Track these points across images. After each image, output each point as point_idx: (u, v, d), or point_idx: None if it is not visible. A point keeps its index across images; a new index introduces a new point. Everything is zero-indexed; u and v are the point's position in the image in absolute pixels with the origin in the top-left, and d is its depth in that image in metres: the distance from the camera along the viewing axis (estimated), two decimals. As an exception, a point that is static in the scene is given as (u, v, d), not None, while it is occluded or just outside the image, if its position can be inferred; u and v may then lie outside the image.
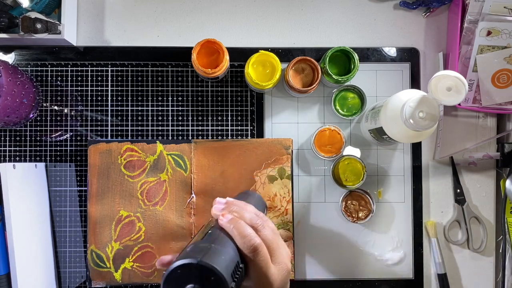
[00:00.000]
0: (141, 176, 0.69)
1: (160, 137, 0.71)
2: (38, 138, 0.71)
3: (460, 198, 0.72)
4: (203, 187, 0.69)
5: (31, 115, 0.67)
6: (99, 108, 0.71)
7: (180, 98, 0.72)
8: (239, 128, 0.71)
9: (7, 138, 0.71)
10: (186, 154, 0.69)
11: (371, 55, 0.72)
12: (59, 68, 0.71)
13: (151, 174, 0.69)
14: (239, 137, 0.71)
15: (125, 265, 0.68)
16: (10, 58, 0.71)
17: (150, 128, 0.71)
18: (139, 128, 0.71)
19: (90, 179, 0.69)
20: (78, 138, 0.71)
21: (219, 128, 0.71)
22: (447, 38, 0.73)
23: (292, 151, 0.70)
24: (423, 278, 0.71)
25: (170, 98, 0.72)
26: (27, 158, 0.71)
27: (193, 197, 0.69)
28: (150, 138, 0.71)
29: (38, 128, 0.71)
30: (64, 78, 0.71)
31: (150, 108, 0.71)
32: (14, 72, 0.61)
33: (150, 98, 0.71)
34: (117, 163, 0.69)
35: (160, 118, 0.71)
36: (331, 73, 0.65)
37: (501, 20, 0.65)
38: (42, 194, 0.69)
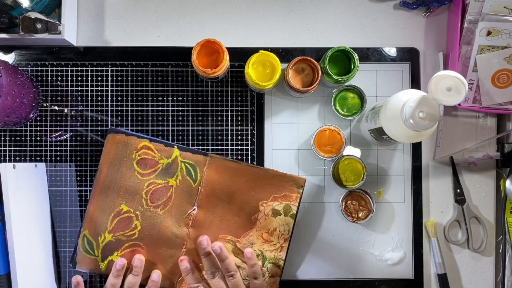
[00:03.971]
0: (150, 176, 0.68)
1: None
2: (38, 138, 0.71)
3: (460, 198, 0.72)
4: (207, 202, 0.68)
5: (31, 115, 0.67)
6: (99, 108, 0.71)
7: (180, 98, 0.72)
8: (239, 128, 0.71)
9: (7, 138, 0.71)
10: (199, 165, 0.68)
11: (371, 55, 0.72)
12: (59, 68, 0.71)
13: (160, 176, 0.68)
14: (239, 137, 0.71)
15: (112, 258, 0.67)
16: (10, 58, 0.71)
17: (150, 128, 0.71)
18: (139, 128, 0.71)
19: (101, 167, 0.68)
20: (78, 138, 0.71)
21: (219, 128, 0.71)
22: (447, 38, 0.73)
23: (303, 191, 0.68)
24: (423, 278, 0.71)
25: (170, 98, 0.72)
26: (27, 158, 0.71)
27: (195, 209, 0.68)
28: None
29: (38, 128, 0.71)
30: (64, 78, 0.71)
31: (150, 108, 0.71)
32: (14, 72, 0.61)
33: (150, 98, 0.71)
34: (131, 157, 0.68)
35: (160, 118, 0.71)
36: (331, 73, 0.65)
37: (501, 20, 0.65)
38: (42, 194, 0.69)
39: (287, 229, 0.67)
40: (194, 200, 0.68)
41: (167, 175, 0.68)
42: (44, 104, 0.71)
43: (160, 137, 0.71)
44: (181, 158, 0.68)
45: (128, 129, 0.71)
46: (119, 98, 0.71)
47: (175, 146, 0.68)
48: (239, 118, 0.72)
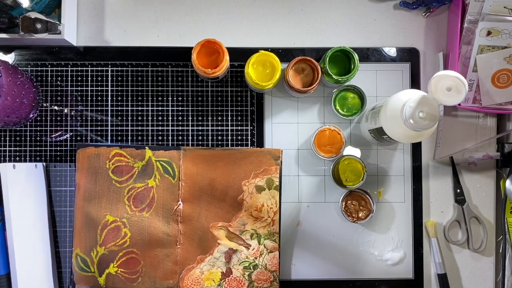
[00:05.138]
0: (128, 182, 0.68)
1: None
2: (38, 138, 0.71)
3: (460, 198, 0.72)
4: (191, 194, 0.68)
5: (31, 115, 0.67)
6: (99, 108, 0.71)
7: (180, 98, 0.72)
8: (239, 128, 0.71)
9: (7, 138, 0.71)
10: (175, 161, 0.69)
11: (371, 55, 0.72)
12: (59, 68, 0.71)
13: (139, 180, 0.68)
14: (239, 137, 0.71)
15: (109, 270, 0.68)
16: (10, 58, 0.71)
17: (150, 128, 0.71)
18: (139, 128, 0.71)
19: (78, 183, 0.68)
20: (78, 138, 0.71)
21: (219, 128, 0.71)
22: (447, 38, 0.73)
23: (281, 162, 0.69)
24: (423, 278, 0.71)
25: (170, 98, 0.72)
26: (27, 158, 0.71)
27: (180, 204, 0.68)
28: (150, 138, 0.71)
29: (38, 128, 0.71)
30: (64, 78, 0.71)
31: (150, 108, 0.71)
32: (14, 72, 0.61)
33: (150, 98, 0.71)
34: (105, 167, 0.68)
35: (160, 118, 0.71)
36: (331, 73, 0.65)
37: (501, 20, 0.65)
38: (42, 194, 0.69)
39: (274, 202, 0.68)
40: (177, 195, 0.68)
41: (145, 177, 0.68)
42: (44, 104, 0.71)
43: (160, 137, 0.71)
44: (155, 158, 0.68)
45: (127, 129, 0.71)
46: (119, 98, 0.71)
47: (146, 147, 0.69)
48: (239, 118, 0.72)
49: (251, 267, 0.68)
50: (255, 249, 0.68)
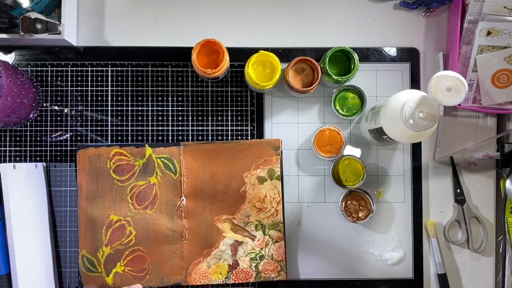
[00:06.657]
0: (130, 180, 0.68)
1: (150, 140, 0.71)
2: (38, 138, 0.71)
3: (460, 198, 0.72)
4: (193, 189, 0.69)
5: (31, 115, 0.67)
6: (99, 108, 0.71)
7: (180, 98, 0.72)
8: (239, 128, 0.71)
9: (7, 138, 0.71)
10: (175, 157, 0.69)
11: (371, 55, 0.72)
12: (59, 68, 0.71)
13: (140, 177, 0.68)
14: (239, 137, 0.71)
15: (116, 269, 0.68)
16: (10, 58, 0.71)
17: (150, 128, 0.71)
18: (139, 128, 0.71)
19: (80, 184, 0.68)
20: (78, 138, 0.71)
21: (219, 128, 0.71)
22: (447, 38, 0.73)
23: (281, 151, 0.69)
24: (423, 278, 0.71)
25: (170, 98, 0.72)
26: (27, 158, 0.71)
27: (183, 200, 0.68)
28: (150, 138, 0.71)
29: (38, 128, 0.71)
30: (64, 78, 0.71)
31: (150, 108, 0.71)
32: (14, 72, 0.61)
33: (150, 98, 0.71)
34: (106, 167, 0.68)
35: (160, 118, 0.71)
36: (331, 73, 0.65)
37: (501, 20, 0.65)
38: (42, 194, 0.69)
39: (277, 192, 0.69)
40: (180, 191, 0.68)
41: (147, 175, 0.69)
42: (44, 104, 0.71)
43: (160, 137, 0.71)
44: (155, 155, 0.69)
45: (127, 129, 0.71)
46: (119, 98, 0.71)
47: (146, 145, 0.69)
48: (239, 118, 0.72)
49: (258, 258, 0.68)
50: (261, 240, 0.68)
